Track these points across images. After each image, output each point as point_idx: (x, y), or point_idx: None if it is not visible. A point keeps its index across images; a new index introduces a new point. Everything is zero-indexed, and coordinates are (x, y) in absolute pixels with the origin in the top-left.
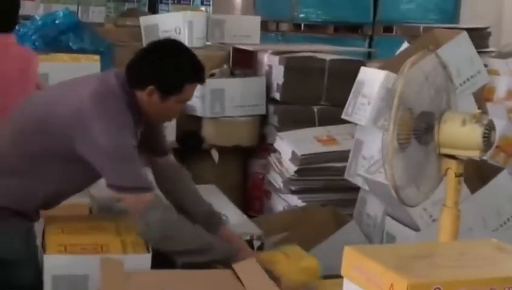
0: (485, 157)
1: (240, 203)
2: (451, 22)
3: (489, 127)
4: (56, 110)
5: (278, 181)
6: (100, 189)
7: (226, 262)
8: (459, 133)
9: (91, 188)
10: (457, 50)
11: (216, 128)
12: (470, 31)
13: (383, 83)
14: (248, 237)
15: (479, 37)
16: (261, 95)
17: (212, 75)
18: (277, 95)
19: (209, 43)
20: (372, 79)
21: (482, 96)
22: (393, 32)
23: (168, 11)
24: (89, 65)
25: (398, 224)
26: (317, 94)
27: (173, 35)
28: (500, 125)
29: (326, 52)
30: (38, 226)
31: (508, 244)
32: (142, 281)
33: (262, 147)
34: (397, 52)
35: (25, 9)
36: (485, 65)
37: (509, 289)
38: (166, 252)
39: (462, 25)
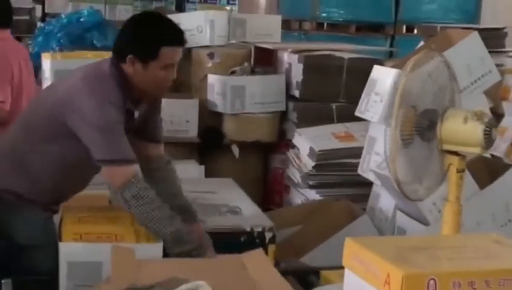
0: (499, 155)
1: (260, 197)
2: (472, 22)
3: (491, 125)
4: (56, 94)
5: (296, 176)
6: None
7: (193, 256)
8: (461, 130)
9: None
10: (468, 49)
11: (237, 124)
12: (486, 31)
13: (394, 81)
14: (260, 229)
15: (496, 37)
16: (281, 92)
17: (233, 73)
18: (296, 93)
19: (232, 41)
20: (384, 77)
21: (498, 96)
22: (415, 32)
23: (195, 9)
24: None
25: (408, 218)
26: (335, 92)
27: (195, 34)
28: None
29: (347, 51)
30: (57, 216)
31: (507, 239)
32: (152, 268)
33: (282, 142)
34: None
35: (54, 7)
36: (502, 64)
37: (504, 281)
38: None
39: (482, 25)
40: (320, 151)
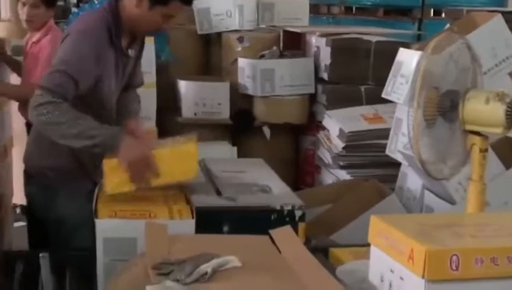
0: None
1: (292, 178)
2: (500, 5)
3: None
4: None
5: (327, 157)
6: None
7: (110, 145)
8: (483, 110)
9: None
10: (492, 32)
11: (267, 106)
12: (511, 14)
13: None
14: (290, 207)
15: None
16: (310, 75)
17: (262, 56)
18: (325, 75)
19: (261, 26)
20: (409, 59)
21: None
22: (442, 16)
23: None
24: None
25: (436, 198)
26: (363, 74)
27: (225, 19)
28: None
29: (375, 34)
30: None
31: None
32: (184, 243)
33: (312, 124)
34: None
35: None
36: None
37: None
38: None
39: (510, 8)
40: (349, 132)
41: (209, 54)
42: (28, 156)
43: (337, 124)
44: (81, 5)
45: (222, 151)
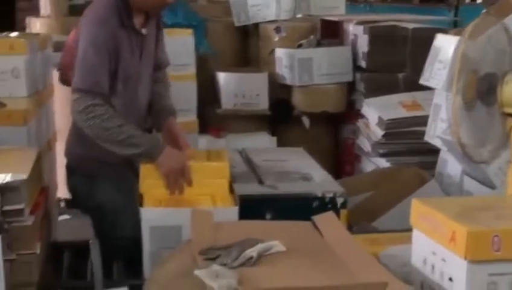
0: None
1: (332, 166)
2: None
3: None
4: None
5: (366, 145)
6: None
7: (151, 154)
8: None
9: None
10: None
11: (305, 96)
12: None
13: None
14: (331, 195)
15: None
16: (348, 64)
17: (299, 46)
18: (363, 63)
19: (298, 15)
20: (447, 45)
21: None
22: (478, 1)
23: None
24: (182, 39)
25: (475, 183)
26: (401, 61)
27: (262, 9)
28: None
29: (412, 21)
30: None
31: None
32: (229, 230)
33: (351, 113)
34: None
35: None
36: None
37: None
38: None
39: None
40: (388, 120)
41: (246, 46)
42: (70, 149)
43: (375, 112)
44: None
45: (262, 142)
